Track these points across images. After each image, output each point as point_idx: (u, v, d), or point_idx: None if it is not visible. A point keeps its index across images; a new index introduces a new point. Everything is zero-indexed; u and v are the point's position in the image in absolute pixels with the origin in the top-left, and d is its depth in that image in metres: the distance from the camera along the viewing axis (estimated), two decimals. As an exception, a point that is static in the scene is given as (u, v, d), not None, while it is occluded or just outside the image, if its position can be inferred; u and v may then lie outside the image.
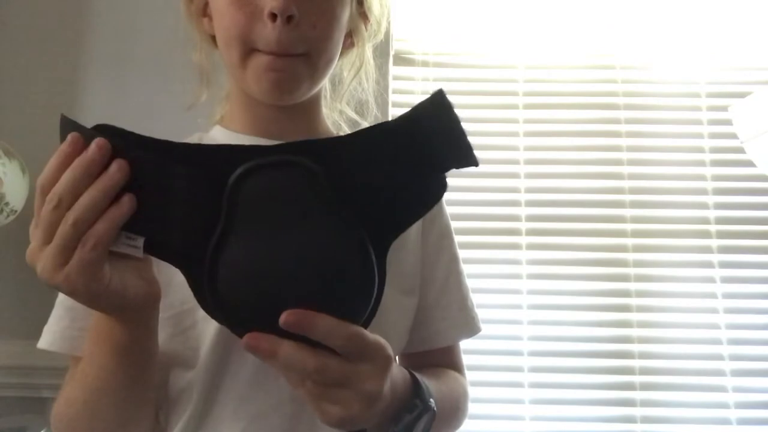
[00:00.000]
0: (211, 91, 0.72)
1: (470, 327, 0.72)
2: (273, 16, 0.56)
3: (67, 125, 0.42)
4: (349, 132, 0.75)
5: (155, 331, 0.51)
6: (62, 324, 0.61)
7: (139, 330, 0.49)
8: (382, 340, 0.44)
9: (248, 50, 0.59)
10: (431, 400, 0.52)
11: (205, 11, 0.65)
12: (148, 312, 0.48)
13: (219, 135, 0.68)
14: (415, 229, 0.68)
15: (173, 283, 0.54)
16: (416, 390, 0.52)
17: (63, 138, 0.42)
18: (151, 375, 0.53)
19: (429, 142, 0.43)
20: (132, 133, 0.44)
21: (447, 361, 0.72)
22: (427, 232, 0.70)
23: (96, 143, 0.40)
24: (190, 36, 0.69)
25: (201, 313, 0.44)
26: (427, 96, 0.43)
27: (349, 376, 0.42)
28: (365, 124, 0.77)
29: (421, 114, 0.43)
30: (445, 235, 0.73)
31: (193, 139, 0.69)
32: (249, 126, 0.66)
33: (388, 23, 0.74)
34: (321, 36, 0.60)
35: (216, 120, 0.71)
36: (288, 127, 0.65)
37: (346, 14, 0.63)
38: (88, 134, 0.41)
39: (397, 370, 0.51)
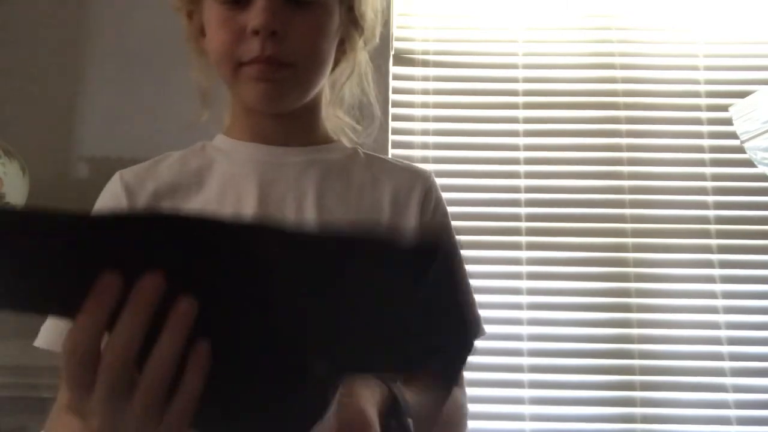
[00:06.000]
0: (217, 101, 0.73)
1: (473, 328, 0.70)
2: (256, 32, 0.59)
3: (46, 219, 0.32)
4: (350, 138, 0.74)
5: None
6: (63, 324, 0.60)
7: None
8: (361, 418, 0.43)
9: (236, 65, 0.61)
10: (408, 420, 0.51)
11: (203, 30, 0.66)
12: None
13: (222, 143, 0.70)
14: (410, 229, 0.68)
15: None
16: (395, 408, 0.50)
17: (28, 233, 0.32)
18: None
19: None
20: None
21: None
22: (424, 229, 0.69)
23: (152, 284, 0.33)
24: (189, 56, 0.70)
25: None
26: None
27: None
28: (358, 128, 0.77)
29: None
30: (443, 231, 0.72)
31: (196, 148, 0.71)
32: (249, 133, 0.68)
33: (385, 26, 0.74)
34: (307, 47, 0.62)
35: (224, 127, 0.73)
36: (287, 134, 0.68)
37: (334, 24, 0.64)
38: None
39: (377, 389, 0.50)
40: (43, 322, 0.63)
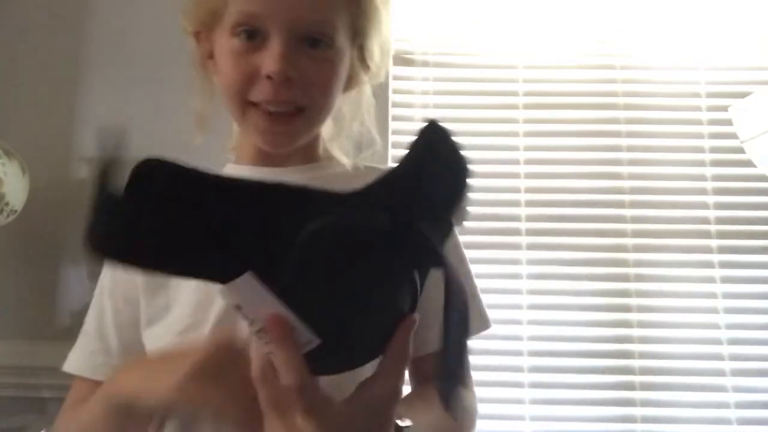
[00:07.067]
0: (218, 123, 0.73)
1: (481, 322, 0.71)
2: (270, 78, 0.58)
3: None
4: (350, 160, 0.74)
5: None
6: (89, 349, 0.66)
7: None
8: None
9: (245, 104, 0.61)
10: None
11: (212, 54, 0.66)
12: None
13: (228, 170, 0.70)
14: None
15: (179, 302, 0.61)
16: None
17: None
18: None
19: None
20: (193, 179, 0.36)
21: None
22: None
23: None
24: (192, 81, 0.70)
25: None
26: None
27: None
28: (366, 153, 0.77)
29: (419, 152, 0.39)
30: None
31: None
32: (253, 157, 0.68)
33: (388, 68, 0.74)
34: (319, 91, 0.62)
35: (230, 146, 0.75)
36: (289, 155, 0.68)
37: (345, 66, 0.64)
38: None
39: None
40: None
